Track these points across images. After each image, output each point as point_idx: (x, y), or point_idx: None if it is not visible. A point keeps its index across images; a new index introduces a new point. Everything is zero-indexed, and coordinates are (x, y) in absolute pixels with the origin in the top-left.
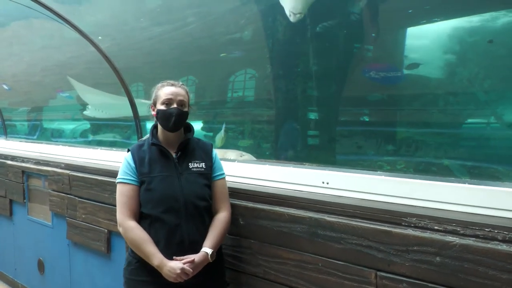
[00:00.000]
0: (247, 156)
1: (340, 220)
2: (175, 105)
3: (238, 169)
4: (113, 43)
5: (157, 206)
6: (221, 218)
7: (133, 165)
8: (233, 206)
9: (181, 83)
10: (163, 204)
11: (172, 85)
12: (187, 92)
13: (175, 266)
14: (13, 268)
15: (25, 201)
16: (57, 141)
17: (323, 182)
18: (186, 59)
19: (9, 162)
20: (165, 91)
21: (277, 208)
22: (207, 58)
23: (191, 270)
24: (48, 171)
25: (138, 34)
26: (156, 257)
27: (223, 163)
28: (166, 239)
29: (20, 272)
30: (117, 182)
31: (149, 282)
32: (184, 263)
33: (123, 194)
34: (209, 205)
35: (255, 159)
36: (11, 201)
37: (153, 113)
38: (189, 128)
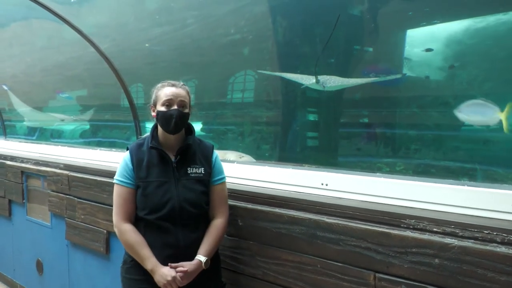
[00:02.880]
0: (247, 157)
1: (339, 222)
2: (175, 106)
3: (238, 171)
4: (113, 44)
5: (153, 212)
6: (217, 224)
7: (130, 166)
8: (232, 208)
9: (182, 83)
10: (158, 211)
11: (173, 85)
12: (188, 93)
13: (167, 273)
14: (12, 269)
15: (24, 201)
16: (56, 142)
17: (322, 184)
18: (186, 60)
19: (8, 162)
20: (166, 91)
21: (276, 210)
22: (207, 59)
23: (181, 280)
24: (47, 171)
25: (138, 35)
26: (150, 261)
27: (222, 165)
28: (161, 243)
29: (18, 273)
30: (115, 182)
31: (144, 280)
32: (177, 271)
33: (119, 196)
34: (205, 211)
35: (254, 160)
36: (10, 201)
37: (153, 114)
38: (190, 130)
